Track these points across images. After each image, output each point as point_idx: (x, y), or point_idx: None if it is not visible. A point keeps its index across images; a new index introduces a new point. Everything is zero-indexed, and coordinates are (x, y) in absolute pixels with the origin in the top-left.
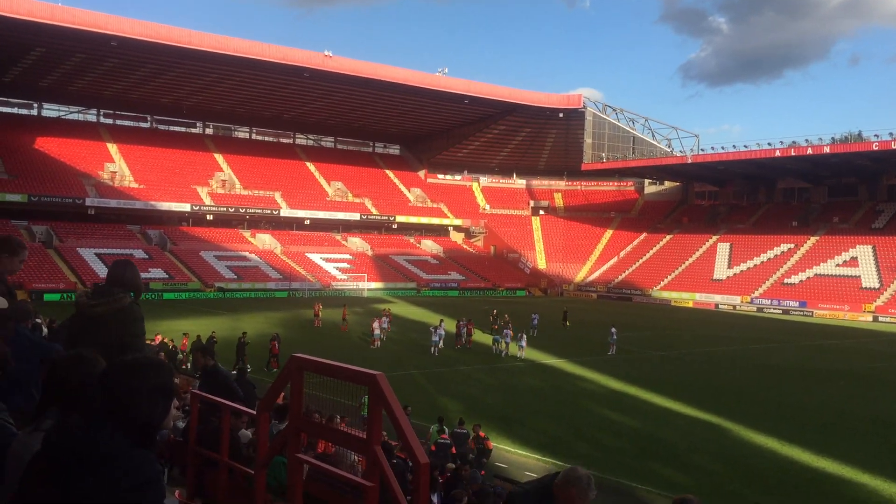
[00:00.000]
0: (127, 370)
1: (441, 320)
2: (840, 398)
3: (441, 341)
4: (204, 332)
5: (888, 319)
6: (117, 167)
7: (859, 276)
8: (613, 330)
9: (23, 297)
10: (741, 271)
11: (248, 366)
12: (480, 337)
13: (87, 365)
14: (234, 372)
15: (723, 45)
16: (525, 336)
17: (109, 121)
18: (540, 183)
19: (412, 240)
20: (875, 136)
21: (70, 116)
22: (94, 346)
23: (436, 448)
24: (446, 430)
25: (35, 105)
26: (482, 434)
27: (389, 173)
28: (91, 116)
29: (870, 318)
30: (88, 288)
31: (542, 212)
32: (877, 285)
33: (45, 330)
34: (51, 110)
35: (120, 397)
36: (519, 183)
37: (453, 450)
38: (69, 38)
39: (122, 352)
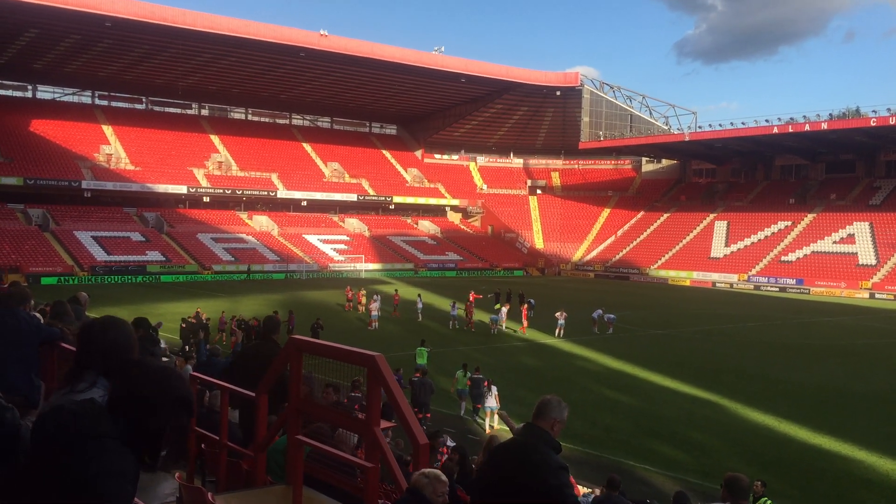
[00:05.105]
0: (153, 374)
1: (453, 302)
2: (837, 375)
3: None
4: (212, 313)
5: (885, 296)
6: (113, 149)
7: (856, 253)
8: (600, 312)
9: (19, 281)
10: (738, 249)
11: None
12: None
13: (116, 328)
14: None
15: (717, 21)
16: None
17: (104, 102)
18: (537, 162)
19: (409, 220)
20: (873, 111)
21: (65, 98)
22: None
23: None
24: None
25: (29, 87)
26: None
27: (386, 153)
28: (86, 98)
29: (866, 295)
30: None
31: (539, 191)
32: (874, 262)
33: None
34: (45, 92)
35: (135, 394)
36: (516, 162)
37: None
38: (63, 18)
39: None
